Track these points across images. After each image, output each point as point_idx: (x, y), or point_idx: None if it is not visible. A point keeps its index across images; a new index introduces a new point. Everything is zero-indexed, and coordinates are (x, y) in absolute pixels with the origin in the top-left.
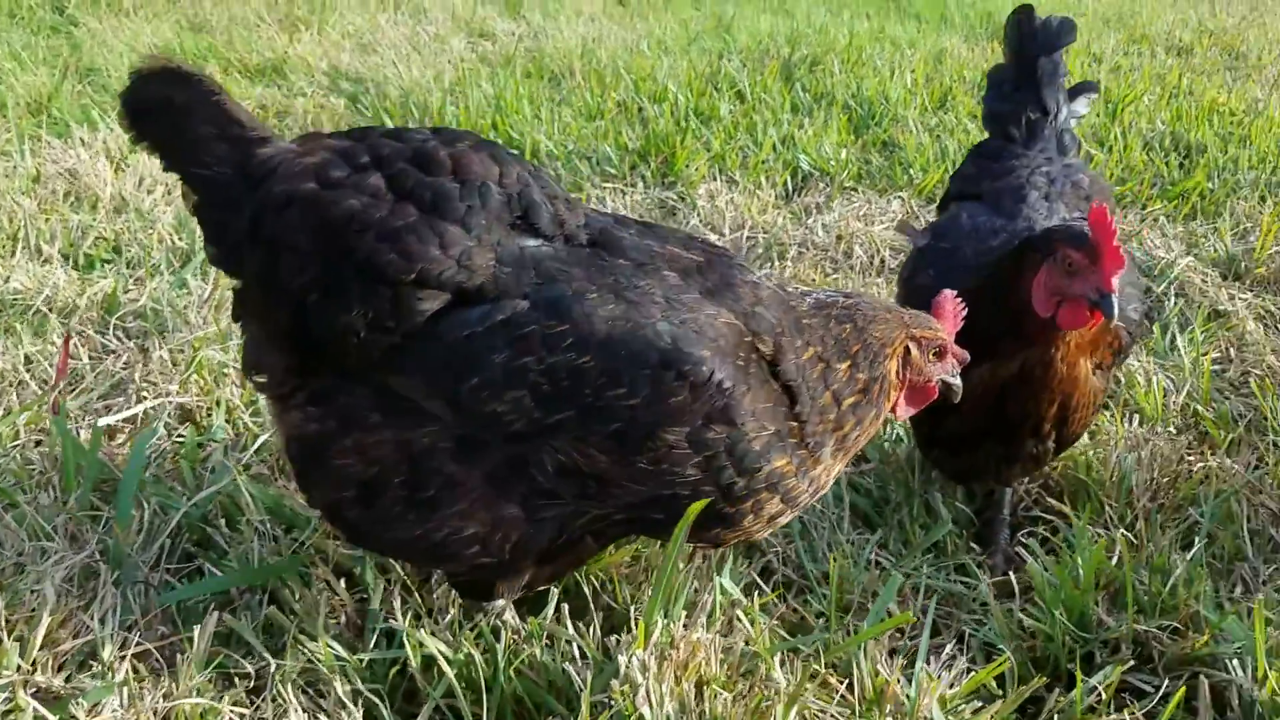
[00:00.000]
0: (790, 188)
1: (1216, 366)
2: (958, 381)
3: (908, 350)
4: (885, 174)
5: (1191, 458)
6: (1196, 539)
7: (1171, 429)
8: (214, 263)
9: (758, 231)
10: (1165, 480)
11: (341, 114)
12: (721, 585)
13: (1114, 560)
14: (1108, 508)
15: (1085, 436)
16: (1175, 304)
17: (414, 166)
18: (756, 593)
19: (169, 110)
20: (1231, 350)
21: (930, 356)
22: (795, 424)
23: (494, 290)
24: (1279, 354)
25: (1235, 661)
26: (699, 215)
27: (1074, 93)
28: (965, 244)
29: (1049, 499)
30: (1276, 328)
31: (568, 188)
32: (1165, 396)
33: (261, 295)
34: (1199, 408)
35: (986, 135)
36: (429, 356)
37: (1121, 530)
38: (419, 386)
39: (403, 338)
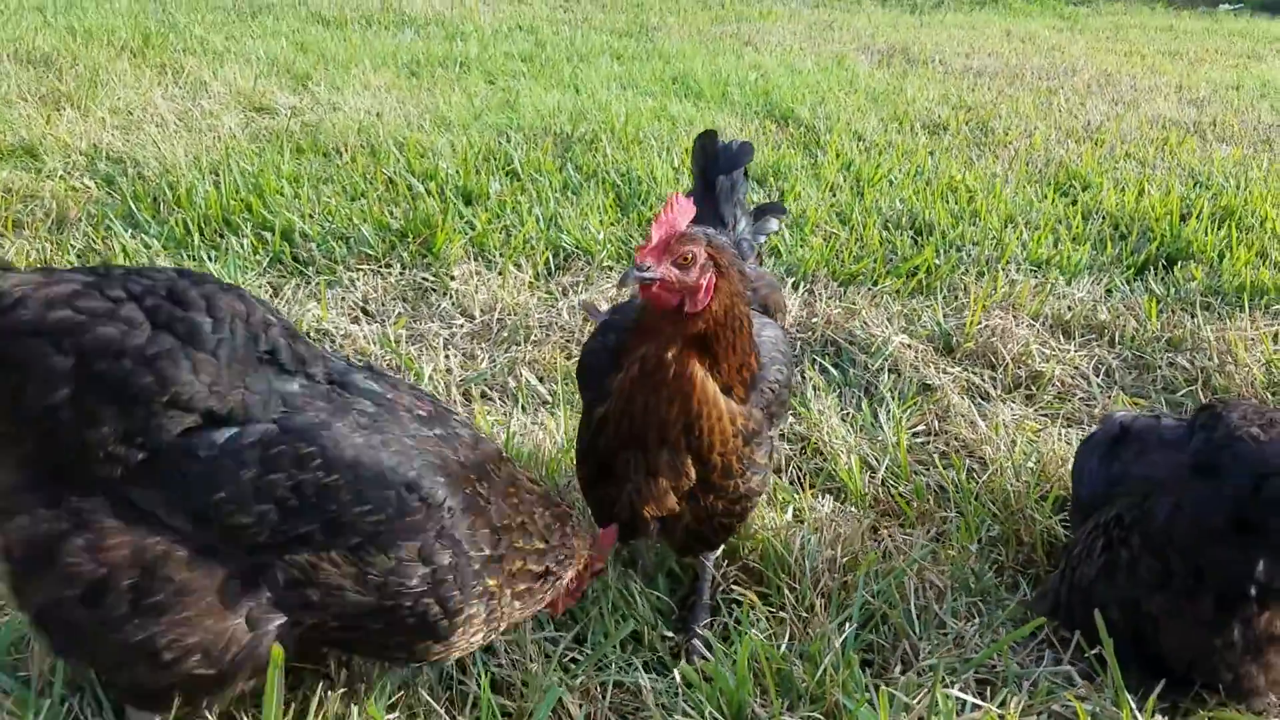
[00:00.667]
0: (551, 267)
1: (921, 439)
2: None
3: (586, 566)
4: None
5: (886, 532)
6: (848, 624)
7: (854, 507)
8: None
9: (507, 313)
10: (847, 560)
11: (95, 196)
12: (368, 711)
13: (781, 648)
14: (786, 591)
15: (785, 517)
16: (888, 380)
17: (169, 301)
18: (423, 711)
19: None
20: (936, 423)
21: (591, 573)
22: (499, 553)
23: (243, 415)
24: (974, 426)
25: None
26: (451, 297)
27: (764, 211)
28: (632, 315)
29: (736, 585)
30: (979, 399)
31: (321, 269)
32: (868, 473)
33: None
34: (892, 483)
35: None
36: (176, 471)
37: (790, 614)
38: (163, 500)
39: (149, 455)
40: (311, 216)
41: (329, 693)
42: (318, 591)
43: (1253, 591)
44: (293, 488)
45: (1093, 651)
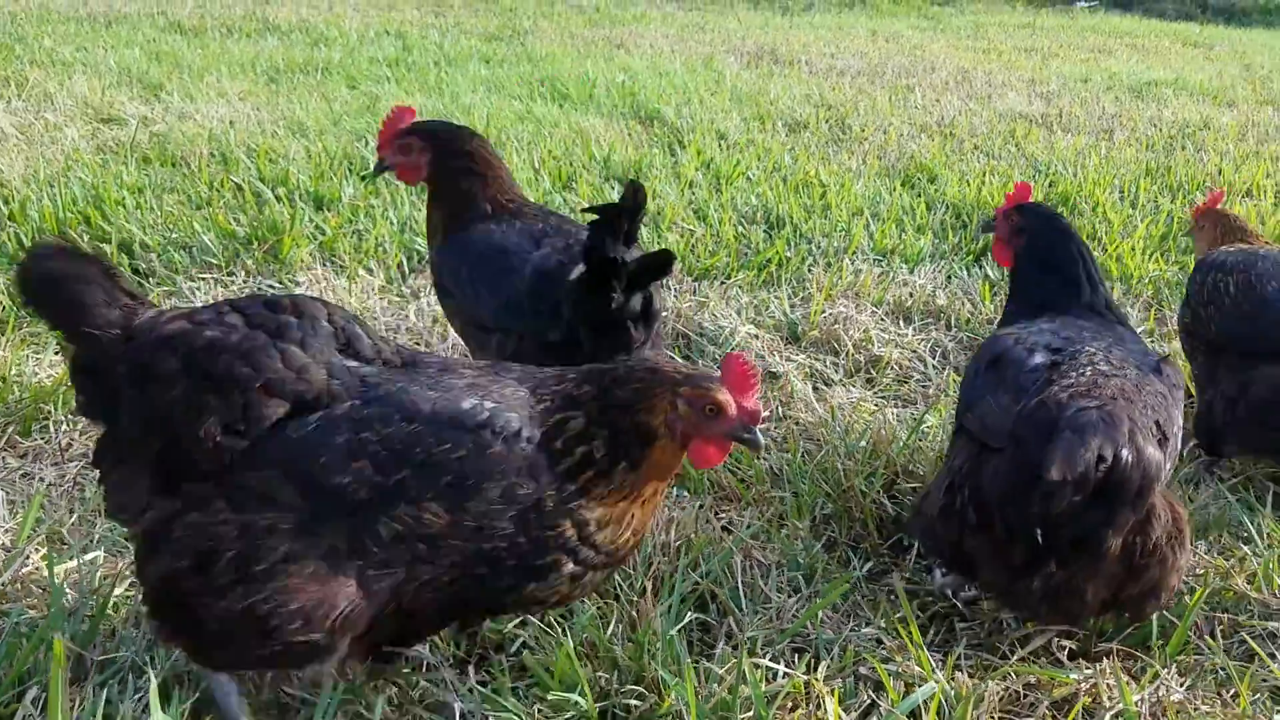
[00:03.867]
0: (405, 270)
1: (764, 425)
2: (754, 436)
3: (675, 405)
4: None
5: (726, 516)
6: (672, 605)
7: (686, 493)
8: (81, 412)
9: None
10: (680, 543)
11: None
12: None
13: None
14: (617, 577)
15: None
16: None
17: (264, 308)
18: None
19: (67, 281)
20: (781, 409)
21: (705, 412)
22: (570, 486)
23: (328, 399)
24: (811, 409)
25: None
26: None
27: None
28: None
29: None
30: (823, 384)
31: (160, 280)
32: None
33: (138, 426)
34: (736, 469)
35: None
36: (280, 449)
37: (623, 599)
38: (271, 477)
39: (253, 442)
40: (153, 227)
41: None
42: (423, 544)
43: (1039, 537)
44: (381, 441)
45: (897, 616)
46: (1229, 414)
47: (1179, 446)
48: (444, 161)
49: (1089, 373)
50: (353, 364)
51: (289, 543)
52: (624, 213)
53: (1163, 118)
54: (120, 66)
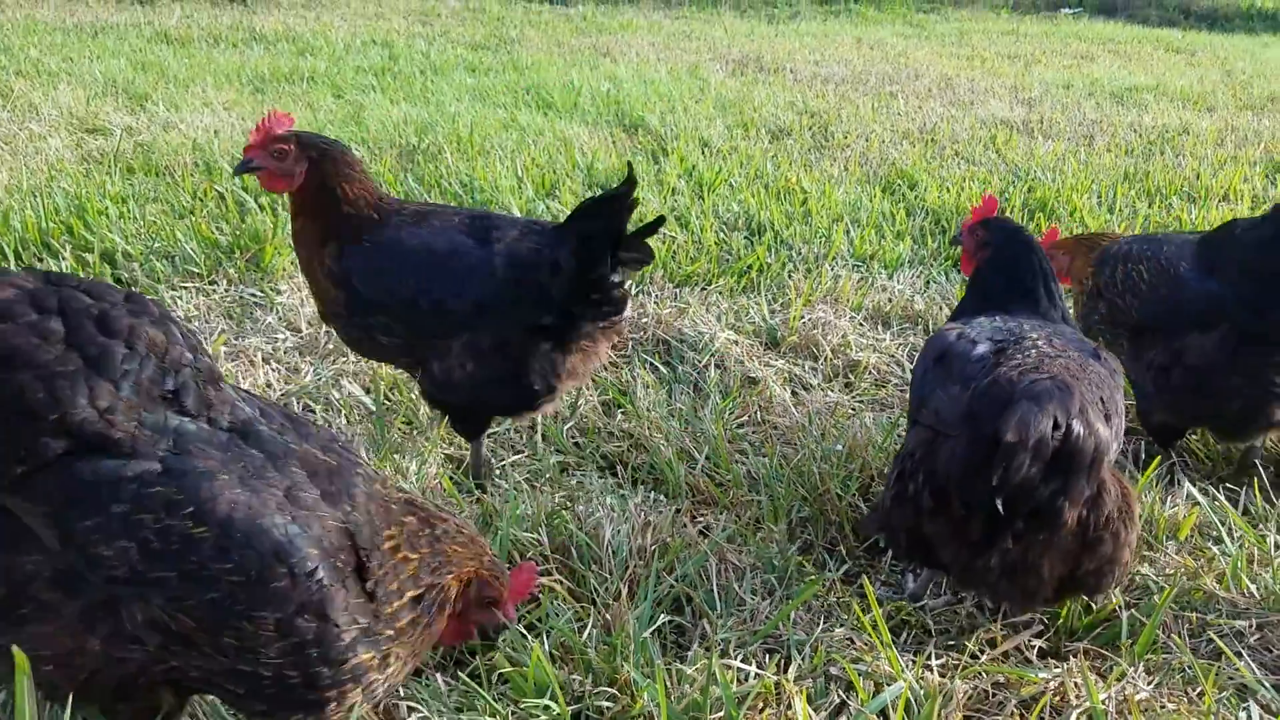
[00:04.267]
0: None
1: (743, 429)
2: (496, 638)
3: (470, 582)
4: None
5: (704, 519)
6: (647, 608)
7: (663, 497)
8: None
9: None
10: (656, 547)
11: None
12: None
13: (584, 634)
14: (593, 580)
15: None
16: (715, 374)
17: (94, 325)
18: None
19: None
20: (759, 414)
21: (483, 600)
22: (375, 620)
23: (130, 448)
24: (789, 414)
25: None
26: (277, 312)
27: None
28: None
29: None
30: (802, 389)
31: (143, 289)
32: (687, 464)
33: None
34: (715, 474)
35: None
36: (55, 488)
37: (598, 602)
38: (37, 514)
39: (29, 470)
40: (136, 236)
41: None
42: (176, 643)
43: (1000, 507)
44: (158, 531)
45: (868, 617)
46: (1161, 382)
47: (1123, 426)
48: (325, 170)
49: (1034, 354)
50: (173, 417)
51: (48, 592)
52: (631, 196)
53: (1143, 123)
54: (106, 76)
